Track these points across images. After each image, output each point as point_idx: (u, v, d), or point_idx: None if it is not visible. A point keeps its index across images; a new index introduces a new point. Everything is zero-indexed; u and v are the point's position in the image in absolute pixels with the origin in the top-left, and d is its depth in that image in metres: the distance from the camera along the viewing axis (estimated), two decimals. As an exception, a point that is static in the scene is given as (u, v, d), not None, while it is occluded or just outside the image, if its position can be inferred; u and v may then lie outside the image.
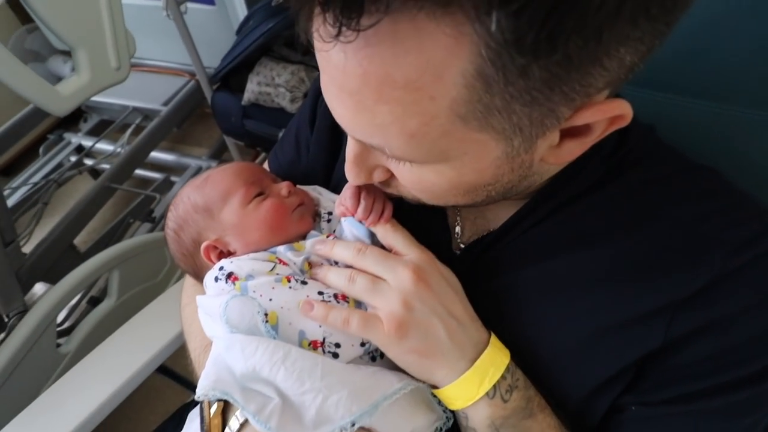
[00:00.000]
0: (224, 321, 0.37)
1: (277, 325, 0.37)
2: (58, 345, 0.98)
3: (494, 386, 0.35)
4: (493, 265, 0.41)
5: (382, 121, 0.26)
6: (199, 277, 0.49)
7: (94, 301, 1.14)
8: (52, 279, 1.04)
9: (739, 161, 0.49)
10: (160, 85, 1.69)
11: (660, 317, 0.34)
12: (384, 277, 0.37)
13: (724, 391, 0.33)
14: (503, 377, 0.35)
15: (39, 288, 1.14)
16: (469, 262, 0.42)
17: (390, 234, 0.39)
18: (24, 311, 0.89)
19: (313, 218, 0.47)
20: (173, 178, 1.66)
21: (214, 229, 0.45)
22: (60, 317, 1.14)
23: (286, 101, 1.18)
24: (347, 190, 0.41)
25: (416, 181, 0.33)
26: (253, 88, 1.21)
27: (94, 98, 1.68)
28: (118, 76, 0.94)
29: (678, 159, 0.39)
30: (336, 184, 0.51)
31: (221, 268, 0.41)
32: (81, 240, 1.52)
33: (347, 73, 0.25)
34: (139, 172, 1.67)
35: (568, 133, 0.29)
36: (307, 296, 0.37)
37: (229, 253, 0.45)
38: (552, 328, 0.37)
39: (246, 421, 0.35)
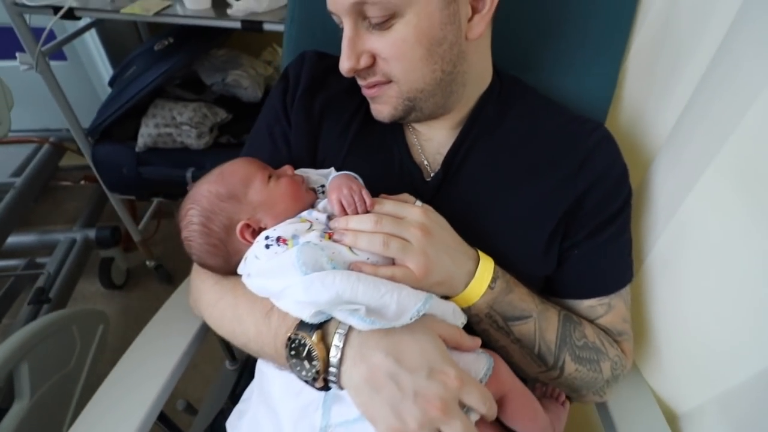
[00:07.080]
0: (301, 264, 0.42)
1: (334, 263, 0.44)
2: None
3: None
4: (455, 181, 0.56)
5: None
6: (230, 264, 0.52)
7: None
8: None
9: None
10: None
11: (570, 180, 0.54)
12: (402, 236, 0.46)
13: (609, 223, 0.55)
14: (493, 275, 0.50)
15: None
16: (440, 184, 0.56)
17: (386, 208, 0.49)
18: None
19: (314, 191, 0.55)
20: (40, 260, 1.40)
21: (244, 211, 0.51)
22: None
23: (192, 138, 1.17)
24: (335, 205, 0.49)
25: (395, 46, 0.47)
26: (149, 132, 1.17)
27: None
28: None
29: (534, 91, 0.62)
30: (322, 159, 0.61)
31: (267, 237, 0.47)
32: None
33: None
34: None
35: (473, 9, 0.48)
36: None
37: (260, 230, 0.50)
38: (511, 213, 0.54)
39: (347, 335, 0.41)
